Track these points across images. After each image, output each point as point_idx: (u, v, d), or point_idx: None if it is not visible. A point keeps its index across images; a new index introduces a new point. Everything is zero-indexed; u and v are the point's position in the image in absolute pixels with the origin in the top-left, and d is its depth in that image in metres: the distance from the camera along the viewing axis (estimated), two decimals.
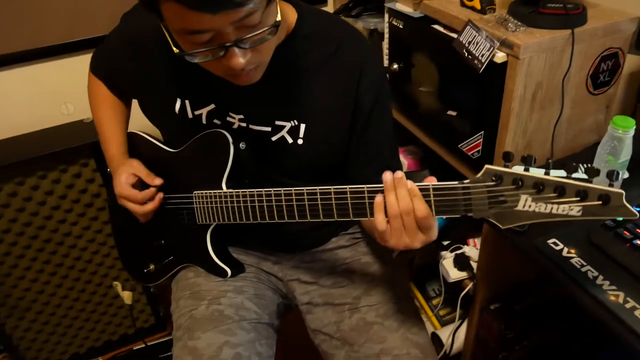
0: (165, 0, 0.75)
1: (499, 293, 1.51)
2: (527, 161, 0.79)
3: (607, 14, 1.21)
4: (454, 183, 0.82)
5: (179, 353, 1.06)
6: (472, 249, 1.58)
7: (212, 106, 1.07)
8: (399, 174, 0.85)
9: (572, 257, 1.01)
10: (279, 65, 0.96)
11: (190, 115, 1.09)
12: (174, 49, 0.84)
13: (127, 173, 1.13)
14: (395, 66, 1.57)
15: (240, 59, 0.82)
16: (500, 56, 1.16)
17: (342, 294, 1.20)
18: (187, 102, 1.08)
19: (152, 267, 1.29)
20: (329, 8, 1.91)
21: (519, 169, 0.78)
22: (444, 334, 1.74)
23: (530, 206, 0.77)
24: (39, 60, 1.68)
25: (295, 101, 1.04)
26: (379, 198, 0.86)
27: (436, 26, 1.36)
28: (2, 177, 1.53)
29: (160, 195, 1.15)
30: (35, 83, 1.70)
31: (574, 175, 0.75)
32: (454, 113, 1.40)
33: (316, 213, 0.94)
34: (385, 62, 1.63)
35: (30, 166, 1.55)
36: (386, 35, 1.58)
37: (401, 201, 0.83)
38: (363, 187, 0.88)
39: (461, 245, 1.60)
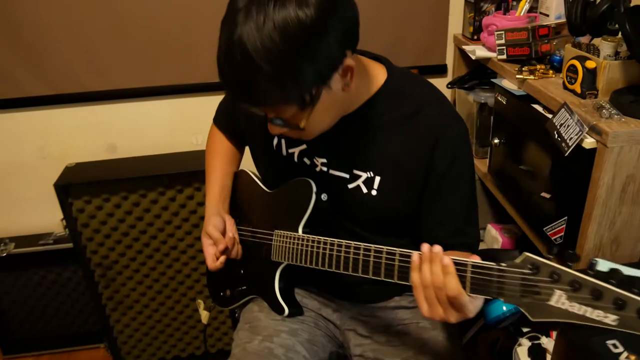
0: None
1: None
2: (570, 258, 0.76)
3: None
4: (492, 264, 0.82)
5: None
6: (550, 341, 1.48)
7: (304, 146, 1.17)
8: (437, 248, 0.87)
9: None
10: (364, 119, 1.04)
11: (284, 152, 1.20)
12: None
13: (216, 222, 1.26)
14: (497, 141, 1.56)
15: (275, 129, 0.96)
16: (589, 142, 1.13)
17: (392, 352, 1.20)
18: (282, 140, 1.20)
19: (227, 292, 1.40)
20: (448, 78, 1.96)
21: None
22: None
23: (563, 303, 0.74)
24: (180, 95, 1.95)
25: (373, 154, 1.09)
26: (415, 258, 0.89)
27: (536, 105, 1.35)
28: (130, 187, 1.79)
29: (223, 258, 1.24)
30: (175, 113, 1.98)
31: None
32: (547, 195, 1.36)
33: (378, 271, 0.98)
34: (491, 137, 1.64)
35: (154, 182, 1.79)
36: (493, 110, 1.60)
37: (433, 275, 0.85)
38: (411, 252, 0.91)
39: (539, 335, 1.50)
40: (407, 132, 1.07)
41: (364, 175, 1.11)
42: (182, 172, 1.78)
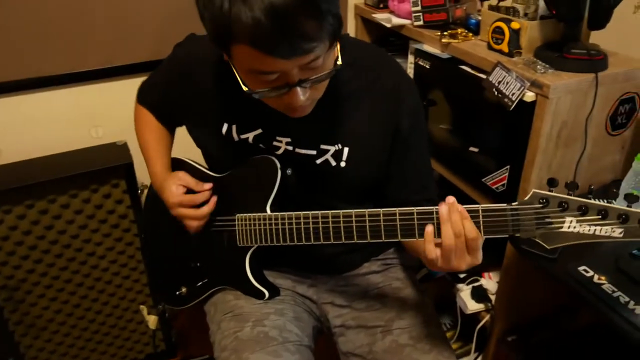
0: (240, 43, 0.80)
1: (517, 325, 1.56)
2: (570, 187, 0.87)
3: (626, 61, 1.31)
4: (503, 205, 0.89)
5: None
6: (488, 282, 1.63)
7: (259, 131, 1.13)
8: (451, 199, 0.91)
9: (602, 284, 1.07)
10: (324, 92, 1.03)
11: (236, 138, 1.14)
12: (243, 87, 0.91)
13: (176, 183, 1.18)
14: None
15: (300, 96, 0.90)
16: (529, 95, 1.25)
17: (375, 316, 1.24)
18: (233, 126, 1.14)
19: (184, 289, 1.31)
20: None
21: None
22: None
23: (575, 227, 0.85)
24: (72, 84, 1.73)
25: (339, 126, 1.10)
26: (429, 228, 0.92)
27: (463, 67, 1.45)
28: (37, 194, 1.56)
29: (215, 198, 1.18)
30: (68, 105, 1.75)
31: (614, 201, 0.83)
32: (476, 149, 1.48)
33: (363, 234, 1.00)
34: None
35: (63, 184, 1.59)
36: (410, 75, 1.67)
37: (453, 225, 0.89)
38: (412, 210, 0.95)
39: (478, 278, 1.65)
40: (370, 99, 1.09)
41: (332, 149, 1.11)
42: (98, 170, 1.60)
